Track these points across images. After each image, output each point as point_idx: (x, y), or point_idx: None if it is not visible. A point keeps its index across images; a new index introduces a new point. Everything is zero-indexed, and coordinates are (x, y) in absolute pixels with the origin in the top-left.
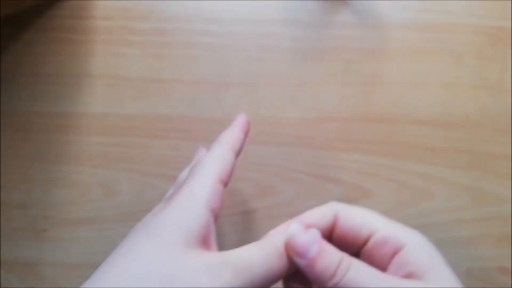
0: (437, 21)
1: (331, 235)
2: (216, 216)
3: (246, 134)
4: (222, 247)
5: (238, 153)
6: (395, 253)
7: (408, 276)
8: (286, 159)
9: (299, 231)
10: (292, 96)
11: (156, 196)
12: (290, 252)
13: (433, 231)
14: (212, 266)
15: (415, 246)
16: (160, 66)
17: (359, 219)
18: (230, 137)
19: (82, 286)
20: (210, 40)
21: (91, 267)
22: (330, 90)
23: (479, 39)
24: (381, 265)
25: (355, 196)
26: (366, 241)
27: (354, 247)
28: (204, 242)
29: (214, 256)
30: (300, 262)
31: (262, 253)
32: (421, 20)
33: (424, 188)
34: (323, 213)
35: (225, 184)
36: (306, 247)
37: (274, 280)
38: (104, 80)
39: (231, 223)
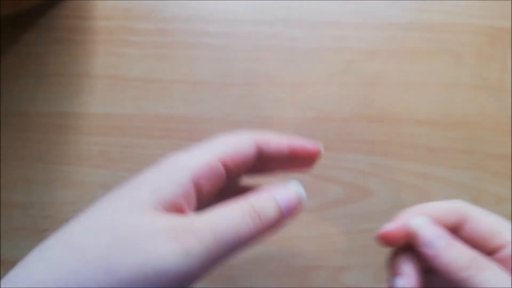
0: (437, 21)
1: (455, 235)
2: (200, 192)
3: (298, 154)
4: None
5: (266, 154)
6: None
7: None
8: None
9: (427, 224)
10: (292, 96)
11: None
12: (416, 242)
13: None
14: (174, 229)
15: None
16: (160, 66)
17: (492, 225)
18: (265, 135)
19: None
20: (210, 40)
21: None
22: (330, 90)
23: (479, 39)
24: None
25: (355, 196)
26: (495, 250)
27: (482, 252)
28: (176, 210)
29: (180, 220)
30: (427, 251)
31: (228, 217)
32: (421, 20)
33: (424, 188)
34: (449, 210)
35: (228, 167)
36: (433, 240)
37: (244, 243)
38: (104, 80)
39: None
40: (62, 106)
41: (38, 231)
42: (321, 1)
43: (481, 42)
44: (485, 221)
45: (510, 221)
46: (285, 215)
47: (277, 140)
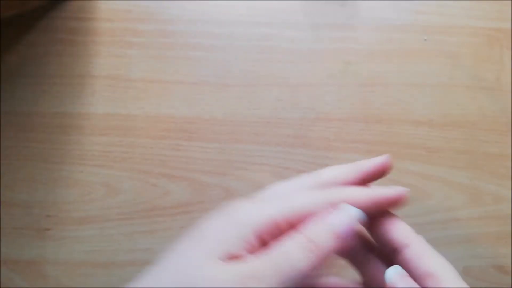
0: (434, 22)
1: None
2: (263, 242)
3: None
4: None
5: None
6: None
7: None
8: (286, 159)
9: (399, 278)
10: (292, 96)
11: (157, 195)
12: None
13: (430, 230)
14: (239, 277)
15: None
16: (162, 67)
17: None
18: (343, 192)
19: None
20: (210, 41)
21: (94, 265)
22: (329, 90)
23: (476, 40)
24: None
25: None
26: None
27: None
28: (237, 258)
29: (243, 267)
30: None
31: (286, 254)
32: (419, 22)
33: (422, 187)
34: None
35: (293, 225)
36: None
37: (305, 275)
38: (106, 81)
39: None
40: (64, 106)
41: (41, 230)
42: (320, 3)
43: (478, 43)
44: (428, 261)
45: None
46: (343, 239)
47: (356, 199)
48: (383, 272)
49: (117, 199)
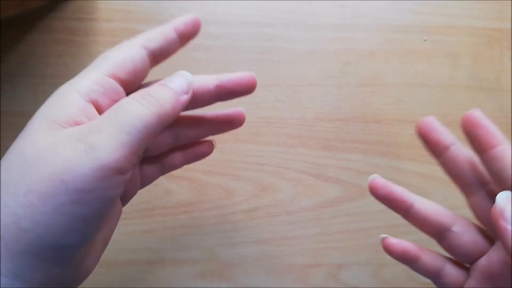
0: (434, 23)
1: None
2: (100, 108)
3: (184, 32)
4: (221, 245)
5: (157, 53)
6: None
7: None
8: (285, 159)
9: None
10: (291, 97)
11: (157, 194)
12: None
13: None
14: (72, 133)
15: None
16: (161, 67)
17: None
18: (148, 33)
19: None
20: (211, 42)
21: None
22: (329, 91)
23: (475, 40)
24: None
25: (353, 195)
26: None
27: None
28: (76, 125)
29: (77, 127)
30: (505, 225)
31: (126, 104)
32: (418, 22)
33: (421, 187)
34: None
35: (124, 81)
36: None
37: (152, 125)
38: None
39: (231, 222)
40: None
41: None
42: (320, 4)
43: (477, 43)
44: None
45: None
46: (178, 92)
47: (160, 37)
48: (490, 205)
49: None
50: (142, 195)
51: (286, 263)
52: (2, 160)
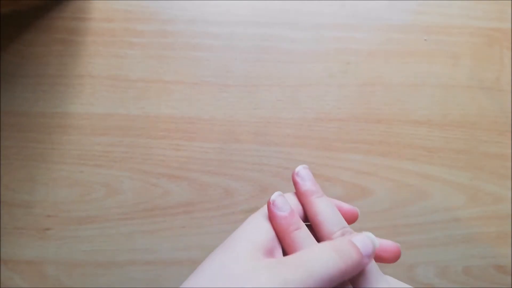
0: (434, 23)
1: None
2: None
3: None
4: None
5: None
6: None
7: None
8: (286, 159)
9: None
10: (292, 97)
11: (157, 194)
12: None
13: (430, 229)
14: (271, 264)
15: None
16: (162, 67)
17: None
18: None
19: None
20: (211, 41)
21: (94, 265)
22: (329, 91)
23: (476, 40)
24: None
25: (353, 195)
26: None
27: None
28: (270, 253)
29: (275, 258)
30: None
31: (319, 251)
32: (419, 22)
33: (422, 187)
34: None
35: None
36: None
37: (334, 279)
38: (106, 81)
39: (232, 222)
40: (65, 106)
41: (41, 230)
42: (320, 4)
43: (478, 43)
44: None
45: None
46: (364, 255)
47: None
48: None
49: (117, 199)
50: (142, 195)
51: None
52: (202, 268)
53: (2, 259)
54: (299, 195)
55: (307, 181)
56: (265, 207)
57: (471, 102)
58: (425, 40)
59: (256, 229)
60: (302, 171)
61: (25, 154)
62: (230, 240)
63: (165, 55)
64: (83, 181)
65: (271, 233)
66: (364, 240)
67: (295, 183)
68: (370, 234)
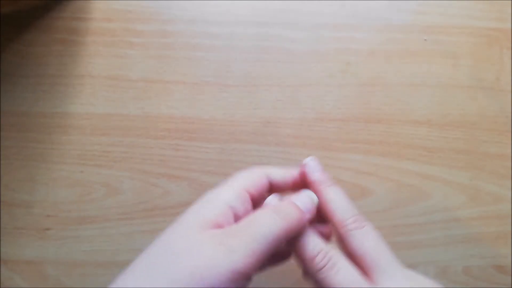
0: (434, 23)
1: None
2: (237, 214)
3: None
4: None
5: (275, 184)
6: None
7: None
8: (286, 159)
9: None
10: (292, 97)
11: (157, 194)
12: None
13: (430, 229)
14: (215, 235)
15: None
16: (162, 67)
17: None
18: (272, 170)
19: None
20: (210, 41)
21: (94, 265)
22: (329, 91)
23: (475, 40)
24: None
25: (353, 195)
26: None
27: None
28: (218, 227)
29: (220, 229)
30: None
31: (261, 216)
32: (419, 22)
33: (422, 187)
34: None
35: (252, 195)
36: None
37: (279, 238)
38: (106, 81)
39: None
40: (65, 106)
41: (41, 230)
42: (320, 3)
43: (477, 43)
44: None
45: None
46: (304, 213)
47: (282, 173)
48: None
49: (117, 199)
50: (142, 195)
51: (287, 263)
52: (149, 246)
53: (2, 259)
54: (309, 185)
55: (316, 171)
56: (222, 184)
57: (471, 102)
58: (425, 40)
59: (206, 204)
60: (310, 162)
61: (25, 154)
62: (181, 215)
63: (165, 55)
64: (83, 181)
65: (222, 208)
66: (303, 198)
67: (304, 174)
68: (309, 193)
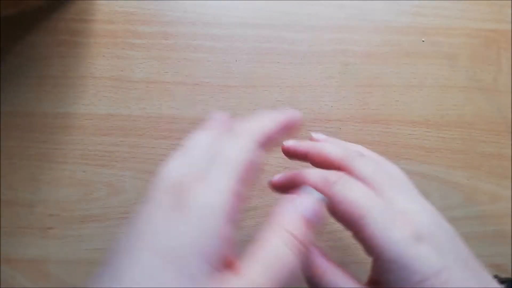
0: (432, 24)
1: None
2: (235, 219)
3: (283, 129)
4: None
5: (264, 146)
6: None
7: None
8: (285, 159)
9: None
10: (291, 97)
11: None
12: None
13: None
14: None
15: None
16: (163, 68)
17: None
18: (256, 126)
19: None
20: (211, 43)
21: (96, 264)
22: (328, 91)
23: (473, 41)
24: None
25: None
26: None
27: None
28: (225, 263)
29: (235, 280)
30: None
31: (272, 254)
32: (417, 24)
33: (419, 187)
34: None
35: (245, 182)
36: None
37: (294, 270)
38: (108, 82)
39: None
40: (67, 107)
41: (44, 229)
42: (319, 5)
43: (475, 45)
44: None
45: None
46: (316, 224)
47: (269, 130)
48: None
49: (119, 198)
50: (144, 195)
51: None
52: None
53: (5, 258)
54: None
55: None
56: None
57: (468, 103)
58: (423, 41)
59: (206, 230)
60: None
61: (27, 154)
62: (168, 245)
63: (166, 56)
64: (85, 181)
65: (226, 232)
66: (313, 207)
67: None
68: (314, 193)
